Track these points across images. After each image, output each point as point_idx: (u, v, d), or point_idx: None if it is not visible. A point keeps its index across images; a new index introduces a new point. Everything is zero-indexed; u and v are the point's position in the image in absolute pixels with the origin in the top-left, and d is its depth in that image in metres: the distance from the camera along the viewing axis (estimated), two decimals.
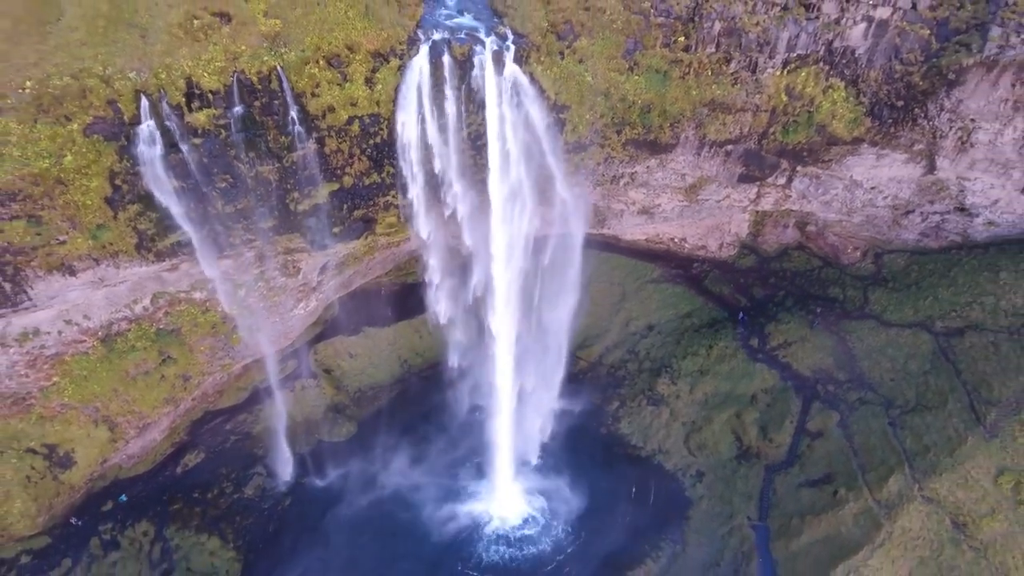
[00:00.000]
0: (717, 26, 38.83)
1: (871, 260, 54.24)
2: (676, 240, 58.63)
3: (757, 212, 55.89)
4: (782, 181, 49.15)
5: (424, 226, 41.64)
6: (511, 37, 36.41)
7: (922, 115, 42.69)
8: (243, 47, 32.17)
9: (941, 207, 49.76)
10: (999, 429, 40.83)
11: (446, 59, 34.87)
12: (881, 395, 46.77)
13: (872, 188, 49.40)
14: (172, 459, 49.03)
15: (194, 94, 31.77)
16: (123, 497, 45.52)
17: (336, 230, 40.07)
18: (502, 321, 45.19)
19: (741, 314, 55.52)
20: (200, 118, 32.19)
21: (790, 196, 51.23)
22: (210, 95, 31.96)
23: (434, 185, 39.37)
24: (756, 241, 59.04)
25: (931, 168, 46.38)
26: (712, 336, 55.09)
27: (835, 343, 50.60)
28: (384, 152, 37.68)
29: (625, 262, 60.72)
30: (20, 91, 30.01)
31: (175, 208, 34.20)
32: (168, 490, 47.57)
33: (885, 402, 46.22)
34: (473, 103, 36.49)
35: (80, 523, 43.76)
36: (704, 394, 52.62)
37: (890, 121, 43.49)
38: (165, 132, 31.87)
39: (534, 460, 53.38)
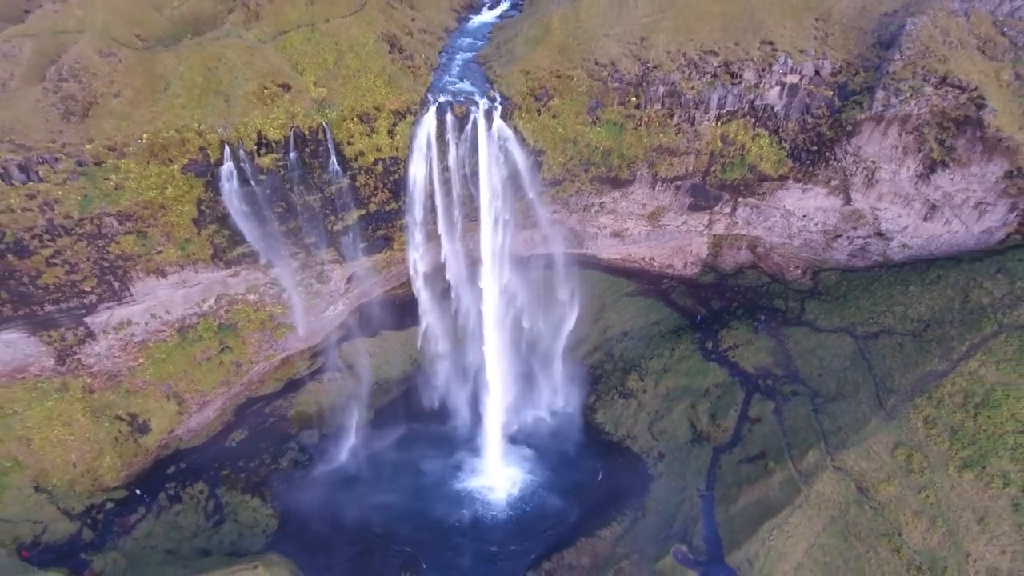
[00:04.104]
0: (661, 89, 49.65)
1: (810, 277, 63.84)
2: (646, 259, 68.73)
3: (713, 236, 65.96)
4: (727, 210, 59.30)
5: (423, 246, 52.31)
6: (499, 99, 47.51)
7: (832, 158, 52.91)
8: (299, 109, 43.46)
9: (863, 232, 59.41)
10: (897, 412, 49.61)
11: (449, 116, 45.88)
12: (810, 387, 55.86)
13: (804, 216, 59.34)
14: (222, 435, 59.35)
15: (262, 143, 43.02)
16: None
17: (362, 245, 50.91)
18: (491, 330, 55.38)
19: (699, 318, 65.29)
20: (266, 161, 43.39)
21: (737, 223, 61.30)
22: (274, 144, 43.19)
23: (436, 211, 50.10)
24: (716, 261, 68.96)
25: (848, 200, 56.33)
26: (675, 340, 64.73)
27: (775, 345, 59.97)
28: (401, 186, 48.62)
29: (605, 278, 70.89)
30: (139, 141, 41.41)
31: (243, 227, 45.25)
32: (219, 459, 57.74)
33: (812, 393, 55.28)
34: (469, 149, 47.36)
35: (143, 495, 53.34)
36: (666, 388, 62.02)
37: (808, 162, 53.73)
38: (240, 171, 43.04)
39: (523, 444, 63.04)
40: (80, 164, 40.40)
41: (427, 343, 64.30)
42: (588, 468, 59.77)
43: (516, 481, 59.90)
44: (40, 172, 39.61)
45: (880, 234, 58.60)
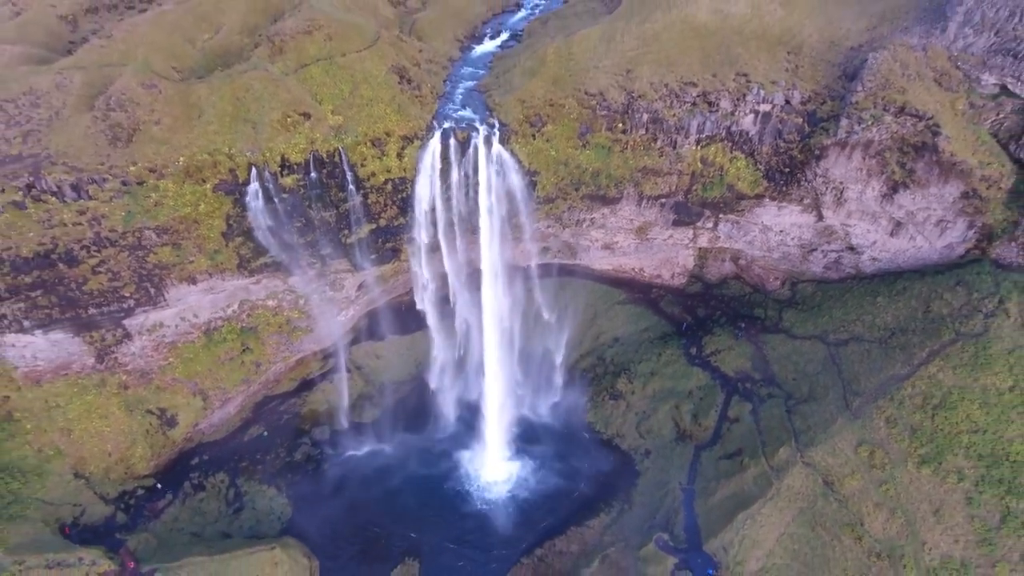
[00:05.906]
0: (645, 116, 54.51)
1: (788, 288, 68.28)
2: (637, 270, 73.36)
3: (699, 249, 70.58)
4: (710, 225, 63.96)
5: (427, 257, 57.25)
6: (497, 125, 52.47)
7: (804, 178, 57.53)
8: (318, 134, 48.50)
9: (836, 247, 63.85)
10: (861, 412, 53.84)
11: (452, 141, 50.86)
12: (784, 390, 60.22)
13: (781, 231, 63.88)
14: (240, 430, 64.17)
15: (285, 165, 48.06)
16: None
17: (372, 256, 55.87)
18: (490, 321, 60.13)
19: (684, 325, 69.89)
20: (288, 181, 48.46)
21: (719, 237, 65.94)
22: (295, 166, 48.23)
23: (439, 226, 54.99)
24: (702, 272, 73.50)
25: (820, 217, 60.86)
26: (662, 346, 69.25)
27: (754, 351, 64.41)
28: (408, 203, 53.58)
29: (598, 287, 75.50)
30: (176, 163, 46.54)
31: (267, 239, 50.27)
32: (238, 452, 62.50)
33: (786, 395, 59.63)
34: (470, 170, 52.28)
35: (164, 489, 57.66)
36: (653, 390, 66.48)
37: (782, 182, 58.36)
38: (265, 190, 48.09)
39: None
40: (124, 184, 45.53)
41: (430, 345, 69.03)
42: (582, 465, 64.16)
43: (513, 475, 64.37)
44: (90, 191, 44.79)
45: (851, 248, 62.99)
